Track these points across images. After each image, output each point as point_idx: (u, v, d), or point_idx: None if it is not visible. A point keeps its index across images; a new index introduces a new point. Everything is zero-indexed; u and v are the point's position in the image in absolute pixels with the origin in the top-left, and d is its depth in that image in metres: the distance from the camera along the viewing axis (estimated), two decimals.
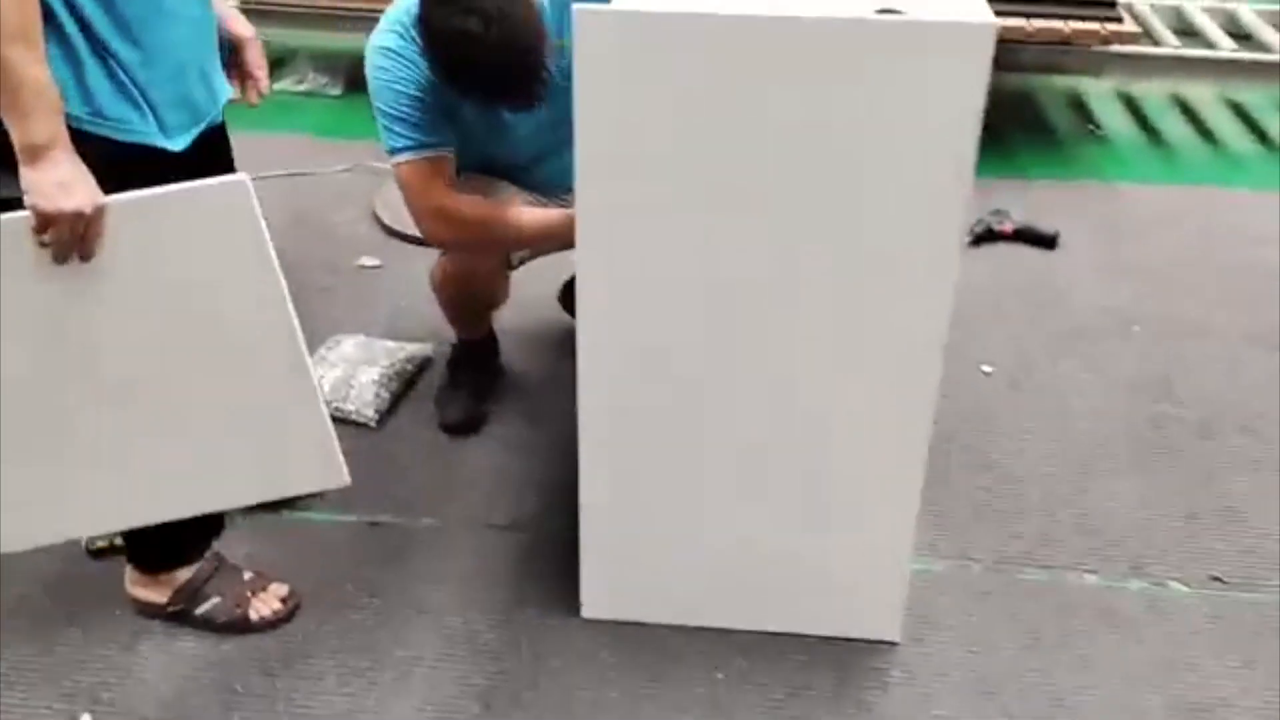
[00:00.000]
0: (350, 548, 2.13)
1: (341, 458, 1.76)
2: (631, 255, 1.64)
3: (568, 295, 2.61)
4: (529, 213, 2.18)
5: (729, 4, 1.46)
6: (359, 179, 3.41)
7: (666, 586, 1.97)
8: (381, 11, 2.08)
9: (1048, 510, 2.24)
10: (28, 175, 1.47)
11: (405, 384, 2.55)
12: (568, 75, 1.53)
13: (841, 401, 1.74)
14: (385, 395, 2.48)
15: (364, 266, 3.02)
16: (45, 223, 1.49)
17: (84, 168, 1.49)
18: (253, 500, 1.85)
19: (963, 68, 1.45)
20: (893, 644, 1.93)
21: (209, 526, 1.96)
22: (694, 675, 1.88)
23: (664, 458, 1.83)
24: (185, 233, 1.57)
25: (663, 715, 1.82)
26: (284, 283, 1.62)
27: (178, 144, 1.65)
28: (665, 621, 1.97)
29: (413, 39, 2.02)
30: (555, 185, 2.25)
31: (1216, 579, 2.08)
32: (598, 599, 1.98)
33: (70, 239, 1.51)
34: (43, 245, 1.51)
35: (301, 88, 4.07)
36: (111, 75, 1.54)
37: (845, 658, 1.92)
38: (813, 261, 1.62)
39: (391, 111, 2.06)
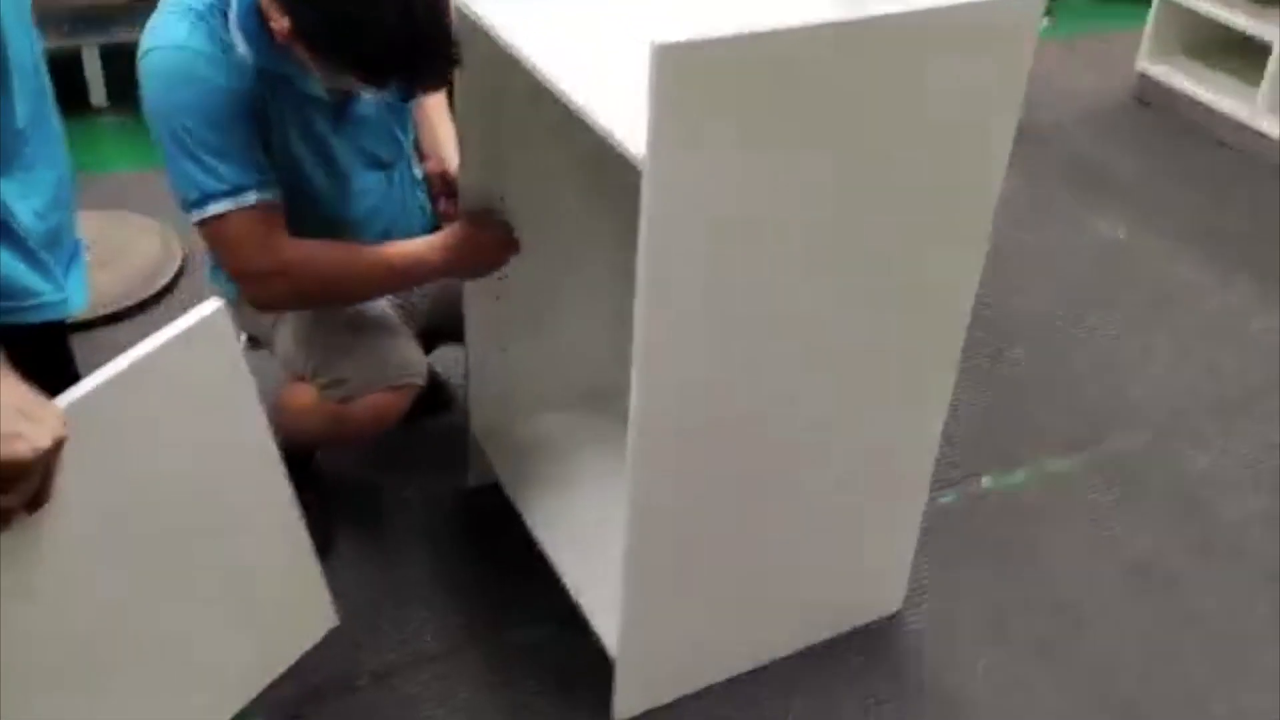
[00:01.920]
0: None
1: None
2: (697, 306, 1.37)
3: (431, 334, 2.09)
4: (401, 248, 1.74)
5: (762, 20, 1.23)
6: None
7: (701, 650, 1.76)
8: None
9: None
10: None
11: None
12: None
13: (865, 424, 1.65)
14: None
15: None
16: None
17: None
18: (265, 683, 1.51)
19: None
20: (895, 613, 1.92)
21: None
22: None
23: (716, 510, 1.60)
24: (162, 394, 1.21)
25: None
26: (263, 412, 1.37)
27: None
28: (697, 688, 1.77)
29: (222, 40, 1.54)
30: None
31: None
32: (630, 698, 1.72)
33: (37, 485, 1.03)
34: None
35: None
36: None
37: (874, 644, 1.87)
38: (869, 287, 1.50)
39: (210, 142, 1.53)
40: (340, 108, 1.71)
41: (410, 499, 2.10)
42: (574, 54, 1.42)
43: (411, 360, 1.81)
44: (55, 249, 1.36)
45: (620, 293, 1.99)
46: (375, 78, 1.51)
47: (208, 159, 1.55)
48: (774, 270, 1.40)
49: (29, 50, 1.30)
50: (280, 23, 1.50)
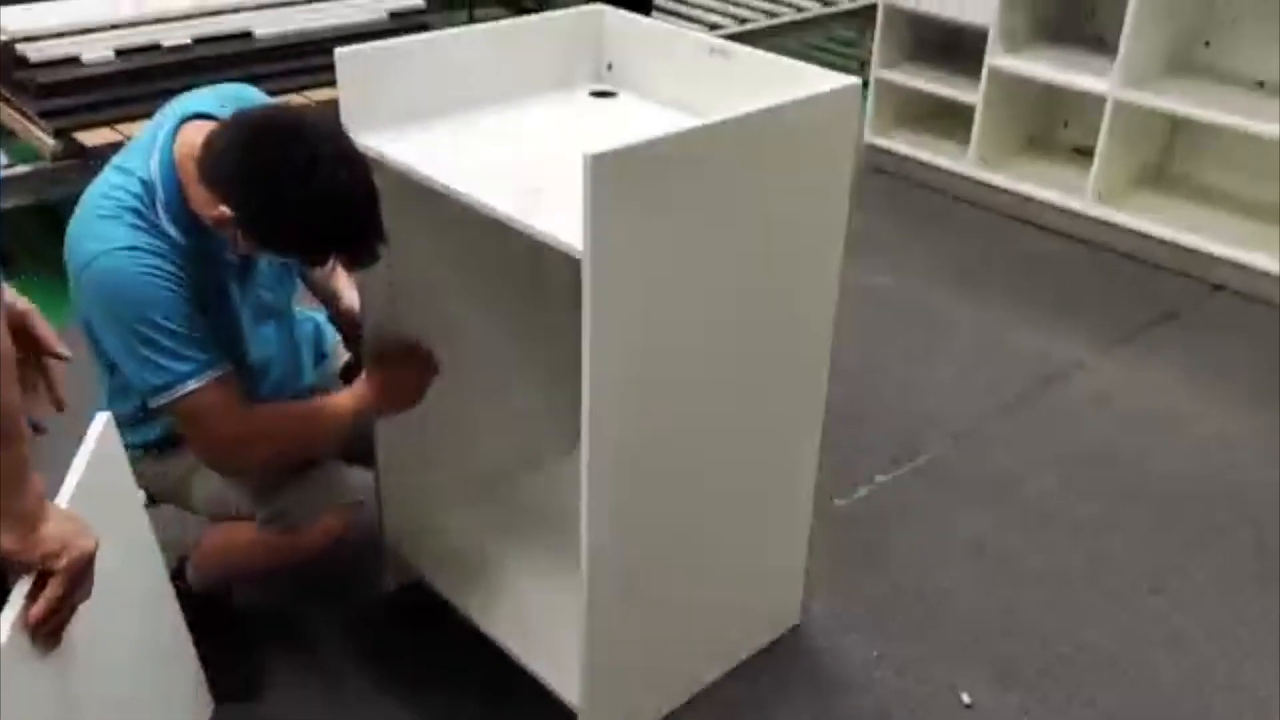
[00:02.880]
0: None
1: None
2: (640, 347, 1.63)
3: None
4: (337, 404, 1.86)
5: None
6: None
7: (651, 684, 1.96)
8: None
9: None
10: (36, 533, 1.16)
11: None
12: None
13: (768, 452, 1.94)
14: None
15: None
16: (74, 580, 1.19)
17: None
18: None
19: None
20: (797, 624, 2.19)
21: None
22: None
23: (656, 547, 1.82)
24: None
25: None
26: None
27: None
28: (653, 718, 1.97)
29: (156, 227, 1.64)
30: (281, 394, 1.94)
31: None
32: None
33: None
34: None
35: None
36: None
37: (784, 652, 2.13)
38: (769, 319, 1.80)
39: (172, 331, 1.64)
40: (243, 266, 1.81)
41: (333, 615, 2.19)
42: (487, 179, 1.66)
43: (346, 481, 1.93)
44: None
45: (514, 389, 2.22)
46: (317, 259, 1.67)
47: (171, 345, 1.64)
48: (692, 327, 1.67)
49: None
50: (216, 210, 1.60)
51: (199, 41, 3.48)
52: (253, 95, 1.83)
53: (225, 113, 1.69)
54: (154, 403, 1.70)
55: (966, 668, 2.12)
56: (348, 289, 2.06)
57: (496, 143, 1.84)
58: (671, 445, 1.75)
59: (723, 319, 1.72)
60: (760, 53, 1.87)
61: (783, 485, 2.03)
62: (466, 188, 1.63)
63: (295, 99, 3.43)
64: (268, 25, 3.63)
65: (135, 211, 1.64)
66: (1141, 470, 2.66)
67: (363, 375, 1.91)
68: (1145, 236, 3.56)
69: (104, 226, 1.63)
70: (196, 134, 1.67)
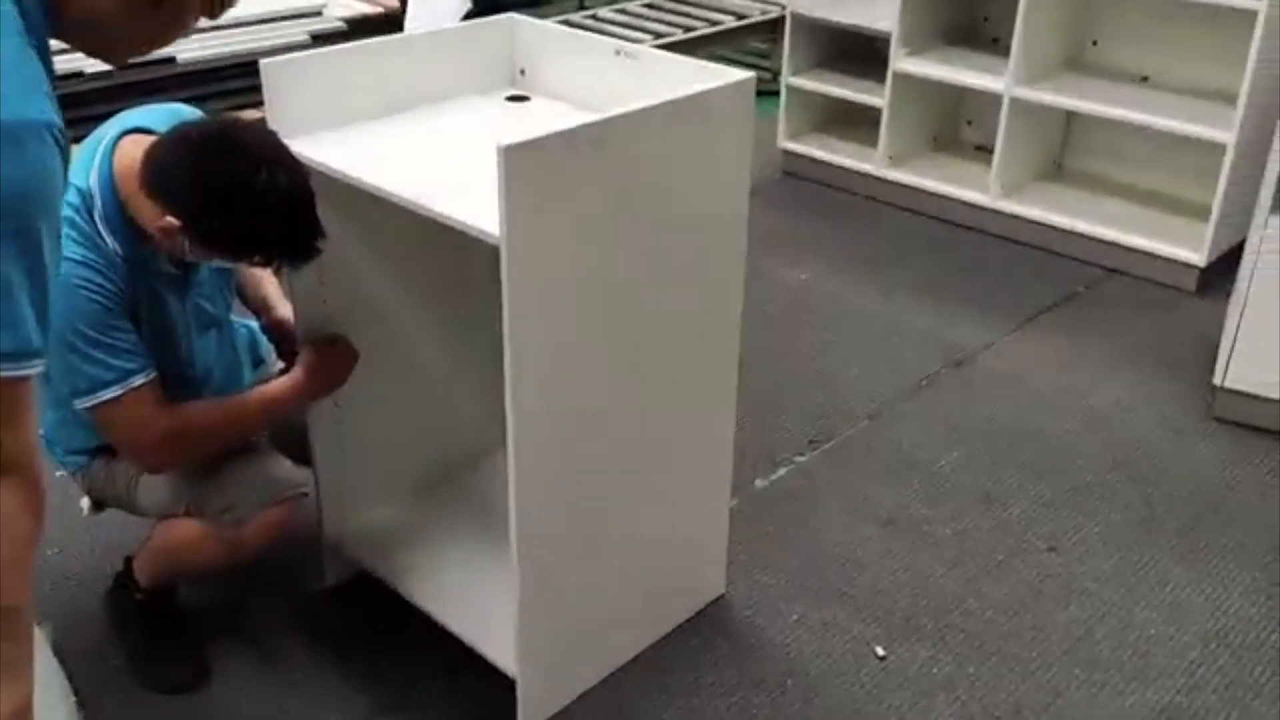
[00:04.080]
0: None
1: None
2: (559, 334, 1.74)
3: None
4: (265, 390, 1.96)
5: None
6: None
7: (585, 653, 2.07)
8: None
9: None
10: None
11: None
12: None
13: (685, 429, 2.06)
14: None
15: None
16: None
17: None
18: None
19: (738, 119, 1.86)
20: (721, 594, 2.32)
21: None
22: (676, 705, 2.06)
23: (585, 517, 1.94)
24: None
25: None
26: None
27: None
28: (581, 692, 2.08)
29: (91, 239, 1.71)
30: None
31: None
32: (531, 711, 2.00)
33: None
34: None
35: None
36: None
37: (710, 620, 2.25)
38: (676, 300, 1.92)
39: (98, 340, 1.71)
40: (183, 277, 1.89)
41: (278, 609, 2.28)
42: (412, 178, 1.77)
43: (290, 473, 2.02)
44: None
45: (443, 384, 2.33)
46: (263, 261, 1.77)
47: (96, 354, 1.72)
48: (607, 309, 1.80)
49: None
50: (160, 221, 1.68)
51: (121, 67, 3.55)
52: (189, 113, 1.91)
53: (163, 128, 1.78)
54: (78, 405, 1.77)
55: (879, 626, 2.26)
56: (280, 301, 2.15)
57: (419, 145, 1.95)
58: (593, 425, 1.87)
59: (635, 302, 1.84)
60: (664, 53, 2.00)
61: (702, 465, 2.16)
62: (394, 186, 1.75)
63: None
64: (191, 50, 3.71)
65: (70, 222, 1.71)
66: (1041, 441, 2.83)
67: (296, 365, 2.00)
68: (1045, 226, 3.77)
69: None
70: (135, 148, 1.75)
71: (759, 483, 2.67)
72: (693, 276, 1.93)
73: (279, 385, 1.98)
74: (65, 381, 1.76)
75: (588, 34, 2.24)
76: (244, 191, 1.65)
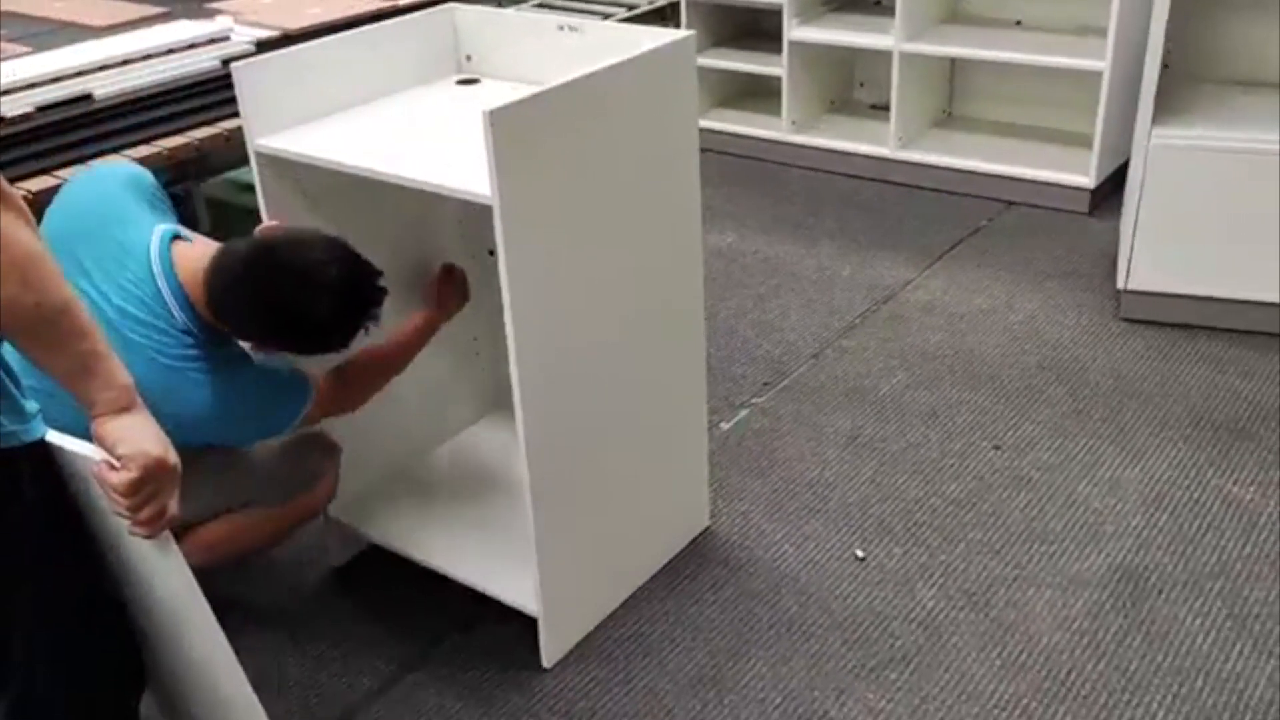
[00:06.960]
0: None
1: None
2: (554, 278, 1.91)
3: None
4: (400, 330, 2.17)
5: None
6: None
7: (594, 588, 2.22)
8: None
9: None
10: (120, 424, 1.28)
11: None
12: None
13: (667, 371, 2.23)
14: None
15: None
16: (145, 478, 1.29)
17: None
18: None
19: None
20: (707, 526, 2.50)
21: None
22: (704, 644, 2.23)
23: (588, 460, 2.10)
24: None
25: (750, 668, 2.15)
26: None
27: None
28: (593, 626, 2.23)
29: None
30: None
31: None
32: (552, 646, 2.14)
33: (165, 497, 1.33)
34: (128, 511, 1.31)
35: None
36: None
37: (702, 548, 2.43)
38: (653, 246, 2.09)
39: (267, 386, 1.96)
40: None
41: (291, 595, 2.38)
42: (393, 159, 1.91)
43: (319, 432, 2.17)
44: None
45: (427, 366, 2.46)
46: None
47: (288, 391, 1.96)
48: (590, 262, 1.96)
49: None
50: (219, 324, 1.86)
51: (41, 109, 3.57)
52: (128, 174, 1.99)
53: (154, 213, 1.91)
54: (287, 433, 2.01)
55: (855, 532, 2.46)
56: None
57: (387, 130, 2.08)
58: (587, 365, 2.03)
59: (612, 243, 2.00)
60: (606, 23, 2.17)
61: (681, 408, 2.33)
62: (385, 166, 1.88)
63: (144, 150, 3.54)
64: (107, 85, 3.74)
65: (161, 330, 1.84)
66: (971, 357, 3.07)
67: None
68: (944, 169, 4.03)
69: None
70: (185, 260, 1.84)
71: (724, 425, 2.85)
72: (659, 215, 2.10)
73: (419, 316, 2.20)
74: (278, 429, 1.98)
75: (528, 14, 2.39)
76: (308, 318, 1.82)
